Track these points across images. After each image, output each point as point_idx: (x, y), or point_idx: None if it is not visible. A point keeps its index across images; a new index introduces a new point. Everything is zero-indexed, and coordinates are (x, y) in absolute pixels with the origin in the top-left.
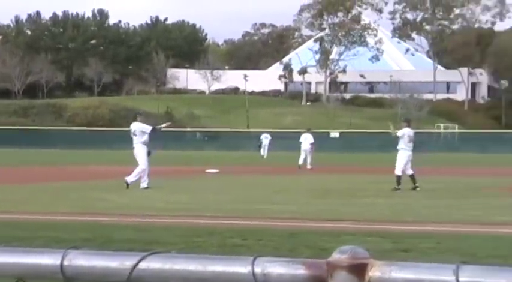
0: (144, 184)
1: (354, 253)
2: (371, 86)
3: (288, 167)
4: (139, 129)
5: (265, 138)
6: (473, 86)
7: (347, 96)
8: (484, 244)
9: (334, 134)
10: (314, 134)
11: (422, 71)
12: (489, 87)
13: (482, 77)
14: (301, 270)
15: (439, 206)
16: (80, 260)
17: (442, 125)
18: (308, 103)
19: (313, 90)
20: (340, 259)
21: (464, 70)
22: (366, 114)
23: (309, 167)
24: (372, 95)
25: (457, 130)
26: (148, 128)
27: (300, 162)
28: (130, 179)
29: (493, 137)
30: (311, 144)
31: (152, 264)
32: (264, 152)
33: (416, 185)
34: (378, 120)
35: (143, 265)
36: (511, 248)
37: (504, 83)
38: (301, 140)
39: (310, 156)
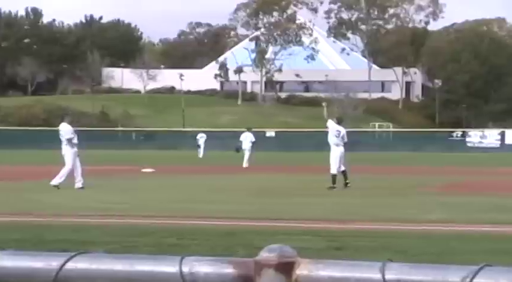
0: (78, 184)
1: (282, 252)
2: (307, 86)
3: (225, 167)
4: (64, 132)
5: (201, 138)
6: (408, 85)
7: (283, 95)
8: (416, 242)
9: (270, 133)
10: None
11: (357, 70)
12: (423, 87)
13: (416, 76)
14: (228, 269)
15: (374, 205)
16: (5, 261)
17: (376, 124)
18: (243, 102)
19: (249, 90)
20: (267, 258)
21: (399, 69)
22: (301, 114)
23: (245, 165)
24: (308, 94)
25: (391, 129)
26: (67, 135)
27: (245, 162)
28: (56, 181)
29: (427, 135)
30: (252, 142)
31: (79, 264)
32: (200, 151)
33: (347, 181)
34: (313, 120)
35: (70, 265)
36: (443, 246)
37: (437, 82)
38: (241, 138)
39: (248, 155)
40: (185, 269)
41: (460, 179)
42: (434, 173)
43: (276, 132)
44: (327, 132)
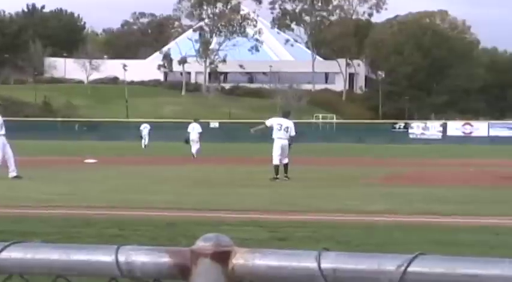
0: (13, 173)
1: (218, 241)
2: (251, 77)
3: (168, 157)
4: None
5: (144, 129)
6: (351, 76)
7: (227, 86)
8: (359, 233)
9: (214, 124)
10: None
11: (301, 61)
12: (366, 78)
13: (360, 68)
14: (165, 259)
15: (317, 196)
16: None
17: (320, 115)
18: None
19: (193, 80)
20: (203, 247)
21: (343, 61)
22: (245, 105)
23: (193, 156)
24: (252, 86)
25: (335, 120)
26: None
27: (194, 152)
28: None
29: (370, 127)
30: (199, 133)
31: (14, 254)
32: (144, 142)
33: (286, 175)
34: (257, 111)
35: (4, 255)
36: (385, 236)
37: (381, 74)
38: (189, 129)
39: (196, 146)
40: (121, 258)
41: (403, 171)
42: (377, 165)
43: (220, 123)
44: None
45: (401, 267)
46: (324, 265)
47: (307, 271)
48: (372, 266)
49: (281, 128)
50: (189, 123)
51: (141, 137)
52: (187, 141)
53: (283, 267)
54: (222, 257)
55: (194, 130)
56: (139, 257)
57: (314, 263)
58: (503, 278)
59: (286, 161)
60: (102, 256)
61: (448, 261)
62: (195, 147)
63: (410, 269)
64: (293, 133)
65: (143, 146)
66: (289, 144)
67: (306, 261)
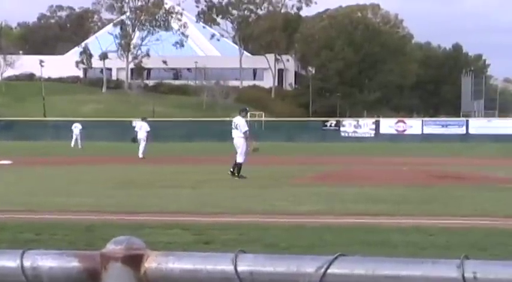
0: None
1: (129, 244)
2: (175, 73)
3: (89, 157)
4: None
5: (75, 128)
6: (280, 73)
7: (150, 83)
8: (287, 235)
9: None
10: (116, 123)
11: (228, 57)
12: (296, 74)
13: (289, 63)
14: (73, 263)
15: (245, 196)
16: None
17: (248, 113)
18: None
19: (114, 77)
20: (114, 250)
21: (271, 56)
22: (170, 102)
23: (140, 156)
24: (177, 82)
25: (263, 118)
26: None
27: (140, 152)
28: None
29: (300, 125)
30: (147, 132)
31: None
32: (76, 142)
33: (232, 170)
34: (182, 108)
35: None
36: (315, 238)
37: (311, 70)
38: (136, 128)
39: (143, 145)
40: (27, 263)
41: (334, 170)
42: (307, 164)
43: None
44: (196, 122)
45: (321, 269)
46: (240, 268)
47: (223, 274)
48: (290, 268)
49: (234, 126)
50: (112, 121)
51: (72, 137)
52: (134, 140)
53: (198, 270)
54: (133, 260)
55: (142, 129)
56: (47, 261)
57: (230, 266)
58: (424, 278)
59: (237, 158)
60: (7, 261)
61: (370, 262)
62: (142, 146)
63: (330, 270)
64: (243, 129)
65: (72, 145)
66: (246, 140)
67: (222, 264)
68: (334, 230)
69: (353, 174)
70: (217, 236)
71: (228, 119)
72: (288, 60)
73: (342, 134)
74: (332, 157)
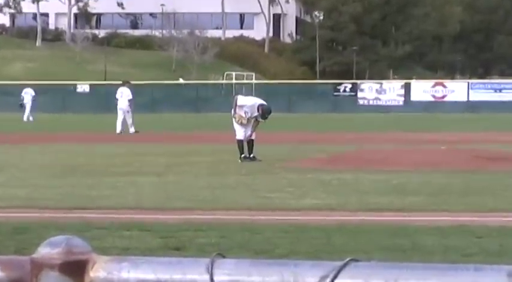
0: None
1: (69, 246)
2: (134, 20)
3: (14, 135)
4: None
5: (26, 94)
6: (277, 19)
7: (101, 33)
8: (285, 237)
9: (83, 87)
10: (55, 88)
11: None
12: (298, 21)
13: (289, 6)
14: None
15: (227, 186)
16: None
17: (233, 73)
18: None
19: (52, 26)
20: (49, 255)
21: None
22: (127, 59)
23: (132, 130)
24: (137, 32)
25: (254, 81)
26: None
27: (119, 126)
28: None
29: (303, 89)
30: (129, 100)
31: None
32: (26, 113)
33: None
34: (144, 68)
35: None
36: (320, 242)
37: (318, 15)
38: (117, 96)
39: (131, 117)
40: None
41: (349, 150)
42: (312, 141)
43: (91, 85)
44: (163, 86)
45: (325, 278)
46: (218, 277)
47: None
48: (285, 278)
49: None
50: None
51: (21, 106)
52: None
53: (162, 280)
54: (74, 268)
55: (123, 96)
56: None
57: (205, 275)
58: None
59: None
60: None
61: (390, 269)
62: (120, 119)
63: (338, 280)
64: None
65: (24, 119)
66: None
67: (193, 272)
68: (348, 230)
69: (373, 155)
70: (191, 239)
71: (208, 81)
72: (287, 1)
73: (360, 101)
74: (346, 133)
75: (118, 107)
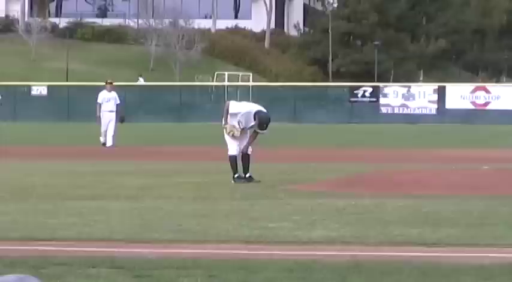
0: None
1: None
2: (104, 6)
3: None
4: None
5: None
6: (280, 7)
7: (62, 23)
8: (288, 277)
9: (40, 88)
10: (7, 89)
11: None
12: (306, 9)
13: None
14: None
15: (217, 213)
16: None
17: (226, 74)
18: None
19: (1, 14)
20: None
21: None
22: (95, 56)
23: (111, 143)
24: (106, 22)
25: (251, 83)
26: None
27: (103, 136)
28: None
29: (314, 93)
30: (117, 105)
31: None
32: None
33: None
34: (116, 66)
35: None
36: None
37: (331, 1)
38: (99, 100)
39: (114, 125)
40: None
41: (368, 169)
42: (323, 159)
43: (49, 87)
44: (139, 89)
45: None
46: None
47: None
48: None
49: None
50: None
51: None
52: (122, 120)
53: None
54: None
55: (110, 101)
56: None
57: None
58: None
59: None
60: None
61: None
62: (111, 128)
63: None
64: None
65: None
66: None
67: None
68: (366, 270)
69: (399, 177)
70: (172, 279)
71: (194, 83)
72: None
73: (383, 109)
74: (365, 148)
75: (102, 113)
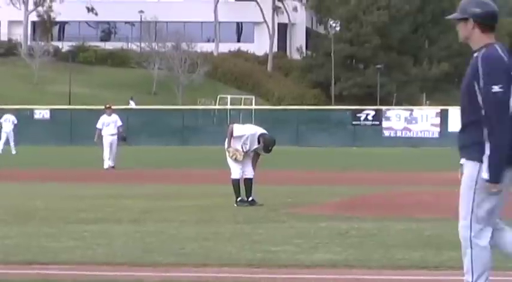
0: None
1: None
2: (107, 29)
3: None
4: None
5: (6, 122)
6: (283, 30)
7: (64, 46)
8: None
9: (42, 112)
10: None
11: (195, 2)
12: (309, 33)
13: (298, 14)
14: None
15: (220, 237)
16: None
17: (228, 97)
18: None
19: (4, 37)
20: None
21: (267, 2)
22: (98, 79)
23: (111, 164)
24: (109, 45)
25: (253, 106)
26: None
27: (106, 161)
28: None
29: (316, 117)
30: (119, 127)
31: None
32: (10, 143)
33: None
34: (119, 89)
35: None
36: None
37: (334, 25)
38: (98, 125)
39: (115, 147)
40: None
41: (370, 192)
42: (326, 182)
43: (51, 110)
44: (142, 112)
45: None
46: None
47: None
48: None
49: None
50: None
51: (0, 137)
52: (124, 138)
53: None
54: None
55: (110, 125)
56: None
57: None
58: None
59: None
60: None
61: None
62: (113, 150)
63: None
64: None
65: (0, 150)
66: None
67: None
68: None
69: (402, 200)
70: None
71: (197, 106)
72: (295, 8)
73: (385, 132)
74: (368, 171)
75: (104, 137)
